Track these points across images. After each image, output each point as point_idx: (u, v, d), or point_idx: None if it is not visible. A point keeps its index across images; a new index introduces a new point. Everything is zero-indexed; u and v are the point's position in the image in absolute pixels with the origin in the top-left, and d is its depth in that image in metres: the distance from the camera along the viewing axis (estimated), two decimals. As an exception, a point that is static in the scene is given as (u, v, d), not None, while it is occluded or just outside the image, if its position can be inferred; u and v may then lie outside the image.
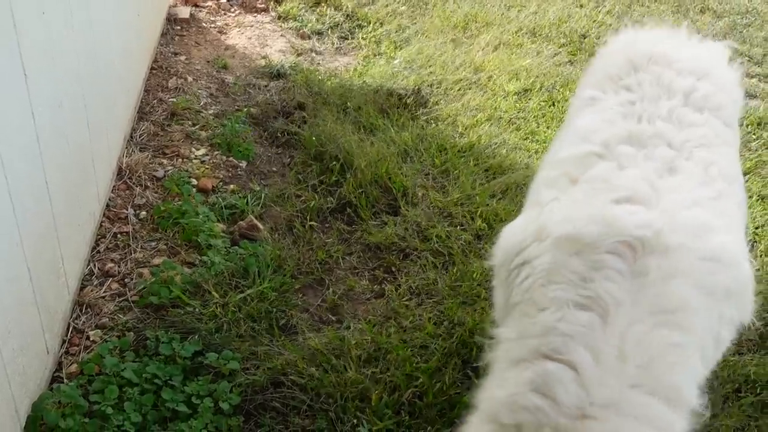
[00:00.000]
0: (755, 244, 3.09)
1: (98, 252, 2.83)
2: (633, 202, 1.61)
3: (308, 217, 3.14)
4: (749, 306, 1.63)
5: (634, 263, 1.49)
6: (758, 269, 2.93)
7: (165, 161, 3.47)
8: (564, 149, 1.94)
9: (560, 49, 5.00)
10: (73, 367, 2.33)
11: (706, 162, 1.74)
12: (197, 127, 3.78)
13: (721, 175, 1.74)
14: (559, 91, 4.38)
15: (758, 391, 2.33)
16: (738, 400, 2.30)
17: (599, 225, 1.55)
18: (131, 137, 3.55)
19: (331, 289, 2.75)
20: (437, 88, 4.34)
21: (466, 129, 3.95)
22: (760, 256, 3.01)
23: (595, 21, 5.50)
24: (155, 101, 3.92)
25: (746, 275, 1.62)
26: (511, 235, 1.79)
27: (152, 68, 4.24)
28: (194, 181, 3.32)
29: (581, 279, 1.53)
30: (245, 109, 3.98)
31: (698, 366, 1.51)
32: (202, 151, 3.60)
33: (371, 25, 5.21)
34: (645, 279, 1.47)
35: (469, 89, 4.37)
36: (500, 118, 4.08)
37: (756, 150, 3.86)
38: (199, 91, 4.17)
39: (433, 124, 3.97)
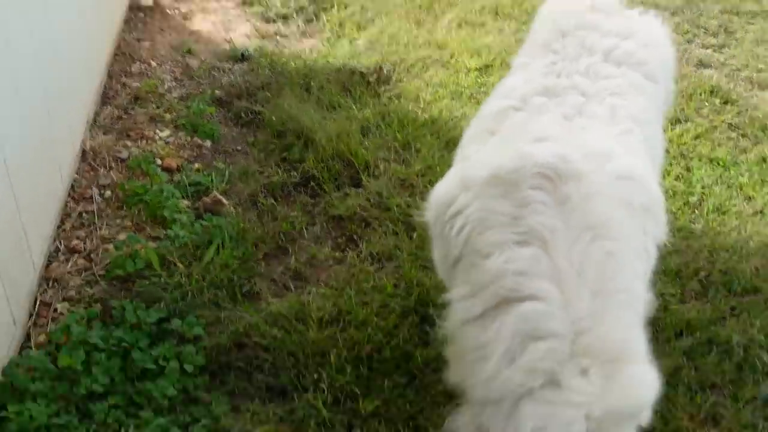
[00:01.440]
0: (702, 203, 3.22)
1: (64, 230, 2.88)
2: (543, 140, 1.74)
3: (272, 192, 3.21)
4: (663, 224, 1.78)
5: (555, 193, 1.61)
6: (703, 225, 3.06)
7: (129, 143, 3.52)
8: (487, 107, 2.07)
9: (522, 26, 5.08)
10: (42, 338, 2.39)
11: (616, 106, 1.88)
12: (161, 109, 3.83)
13: (629, 117, 1.87)
14: (518, 65, 4.47)
15: (697, 335, 2.46)
16: (678, 342, 2.42)
17: (514, 161, 1.67)
18: (95, 121, 3.59)
19: (293, 257, 2.83)
20: (400, 66, 4.41)
21: (427, 104, 4.04)
22: (707, 214, 3.14)
23: (555, -1, 5.60)
24: (119, 86, 3.96)
25: (657, 193, 1.78)
26: (440, 189, 1.90)
27: (115, 54, 4.28)
28: (159, 161, 3.37)
29: (513, 218, 1.64)
30: (210, 92, 4.04)
31: (639, 267, 1.67)
32: (167, 132, 3.66)
33: (335, 7, 5.27)
34: (568, 204, 1.60)
35: (432, 66, 4.45)
36: (461, 93, 4.17)
37: (707, 116, 3.99)
38: (164, 75, 4.21)
39: (395, 101, 4.05)
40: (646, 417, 1.60)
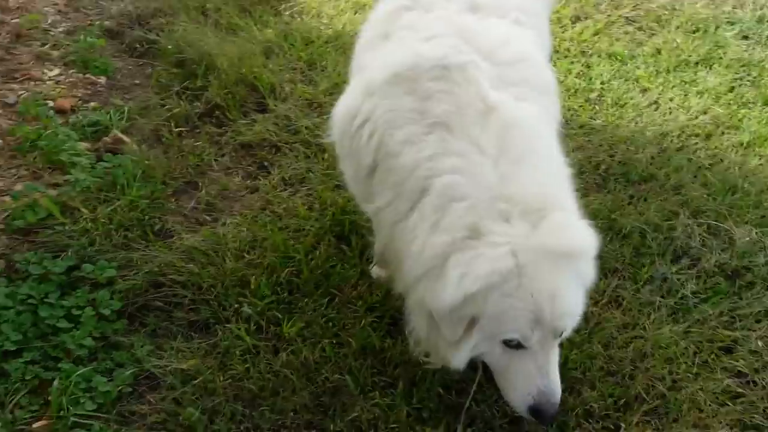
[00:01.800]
0: (602, 98, 3.32)
1: (-46, 186, 2.73)
2: (436, 37, 1.80)
3: (175, 125, 3.10)
4: (557, 104, 1.95)
5: (452, 81, 1.69)
6: (603, 120, 3.17)
7: (15, 86, 3.30)
8: (377, 12, 2.04)
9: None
10: (-56, 303, 2.29)
11: None
12: (47, 46, 3.59)
13: (517, 8, 1.92)
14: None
15: (599, 225, 2.58)
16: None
17: (411, 58, 1.73)
18: (-26, 65, 3.34)
19: (204, 191, 2.78)
20: (299, -20, 4.24)
21: (331, 19, 3.93)
22: (606, 109, 3.24)
23: None
24: (-4, 24, 3.67)
25: (550, 75, 1.92)
26: (341, 105, 1.89)
27: (-12, -11, 3.93)
28: (51, 103, 3.19)
29: (419, 113, 1.70)
30: (99, 23, 3.80)
31: (546, 131, 1.79)
32: (56, 71, 3.44)
33: None
34: (466, 88, 1.68)
35: (332, -22, 4.30)
36: (364, 5, 4.05)
37: (605, 11, 4.04)
38: (45, 8, 3.92)
39: (297, 18, 3.92)
40: (588, 273, 1.69)
